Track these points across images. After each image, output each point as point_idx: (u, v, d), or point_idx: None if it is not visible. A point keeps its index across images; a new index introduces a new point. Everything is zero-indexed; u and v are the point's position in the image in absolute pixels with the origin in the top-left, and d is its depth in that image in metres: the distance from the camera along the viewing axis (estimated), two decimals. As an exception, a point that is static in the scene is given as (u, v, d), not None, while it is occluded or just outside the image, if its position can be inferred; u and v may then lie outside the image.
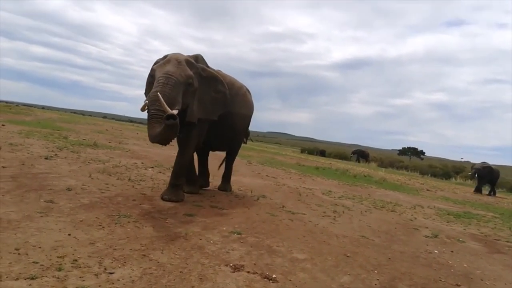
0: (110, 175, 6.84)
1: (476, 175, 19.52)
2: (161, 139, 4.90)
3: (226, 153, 7.78)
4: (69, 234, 3.56)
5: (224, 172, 7.71)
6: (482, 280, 4.30)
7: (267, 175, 11.36)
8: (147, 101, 5.14)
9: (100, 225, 3.99)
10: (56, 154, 8.00)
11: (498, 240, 6.84)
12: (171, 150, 13.68)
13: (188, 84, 5.44)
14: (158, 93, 4.88)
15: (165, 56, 5.68)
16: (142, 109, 5.27)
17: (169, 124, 4.69)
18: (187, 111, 5.59)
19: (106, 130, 18.98)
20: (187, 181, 6.33)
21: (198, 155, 7.29)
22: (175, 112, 4.85)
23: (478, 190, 19.08)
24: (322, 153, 42.29)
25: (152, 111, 4.94)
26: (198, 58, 6.08)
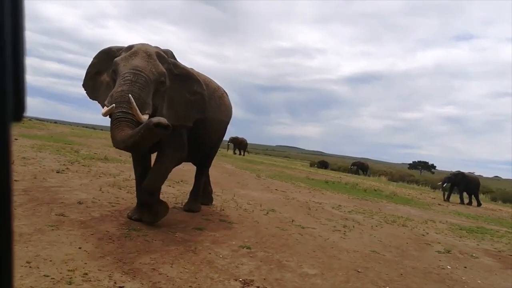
0: (120, 189, 6.88)
1: (445, 185, 18.57)
2: (134, 144, 4.00)
3: (197, 166, 6.74)
4: (79, 248, 3.58)
5: (193, 187, 6.63)
6: (497, 297, 4.20)
7: (276, 189, 11.32)
8: (112, 104, 4.09)
9: (110, 239, 4.00)
10: (67, 168, 8.09)
11: (513, 256, 6.68)
12: (181, 165, 13.73)
13: (160, 83, 4.51)
14: (130, 95, 4.01)
15: (130, 47, 4.61)
16: (105, 114, 4.13)
17: (155, 132, 3.88)
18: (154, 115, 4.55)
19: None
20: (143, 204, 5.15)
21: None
22: (146, 117, 4.09)
23: (448, 197, 18.11)
24: (324, 165, 41.28)
25: (118, 114, 4.06)
26: (168, 53, 5.07)
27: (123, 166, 10.10)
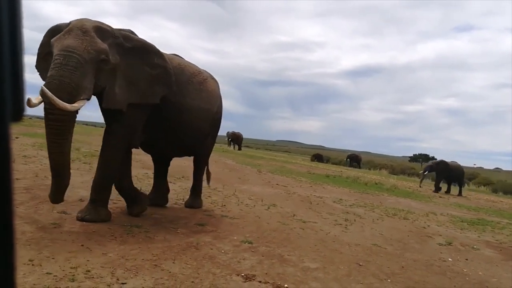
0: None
1: (426, 173, 18.27)
2: (55, 142, 3.79)
3: (193, 161, 6.47)
4: (82, 245, 3.59)
5: (192, 184, 6.38)
6: (498, 288, 4.22)
7: (277, 184, 11.33)
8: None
9: (112, 236, 4.02)
10: (68, 166, 8.08)
11: (514, 247, 6.70)
12: (182, 160, 13.76)
13: (101, 61, 4.06)
14: (43, 86, 3.57)
15: (68, 24, 4.12)
16: (32, 105, 3.54)
17: (51, 119, 3.63)
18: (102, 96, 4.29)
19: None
20: (127, 199, 5.08)
21: (153, 163, 6.30)
22: (80, 104, 3.80)
23: (437, 188, 17.54)
24: (319, 158, 42.04)
25: (46, 106, 3.68)
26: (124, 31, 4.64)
27: (124, 163, 10.10)
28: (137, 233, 4.25)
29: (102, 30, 4.17)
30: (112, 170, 4.63)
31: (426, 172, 18.45)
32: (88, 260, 3.24)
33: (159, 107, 4.80)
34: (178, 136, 5.33)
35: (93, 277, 2.93)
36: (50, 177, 6.53)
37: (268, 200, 7.95)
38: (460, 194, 17.53)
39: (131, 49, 4.52)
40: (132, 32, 4.78)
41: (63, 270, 2.96)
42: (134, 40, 4.62)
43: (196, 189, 6.30)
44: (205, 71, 6.03)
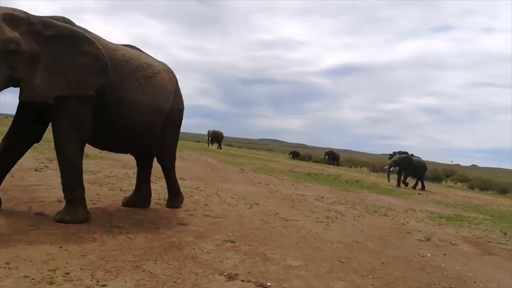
0: (101, 186, 6.78)
1: (391, 168, 18.57)
2: None
3: (157, 161, 5.99)
4: (60, 247, 3.51)
5: (167, 184, 6.11)
6: (475, 282, 4.34)
7: (259, 182, 11.35)
8: None
9: (92, 237, 3.95)
10: (46, 166, 7.91)
11: (490, 242, 6.90)
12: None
13: (12, 52, 3.77)
14: None
15: None
16: None
17: None
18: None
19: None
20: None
21: (136, 161, 6.02)
22: None
23: (398, 182, 18.00)
24: (296, 155, 42.88)
25: None
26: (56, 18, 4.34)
27: (103, 163, 9.96)
28: (118, 234, 4.19)
29: (13, 17, 3.87)
30: (73, 167, 4.46)
31: (391, 168, 18.84)
32: (67, 262, 3.17)
33: (101, 100, 4.53)
34: (121, 131, 4.99)
35: (72, 280, 2.87)
36: (26, 178, 6.40)
37: (251, 198, 7.96)
38: (422, 188, 17.98)
39: (54, 37, 4.18)
40: (67, 20, 4.46)
41: (41, 273, 2.89)
42: (58, 27, 4.24)
43: (172, 188, 6.06)
44: (162, 64, 5.60)
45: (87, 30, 4.70)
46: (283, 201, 8.39)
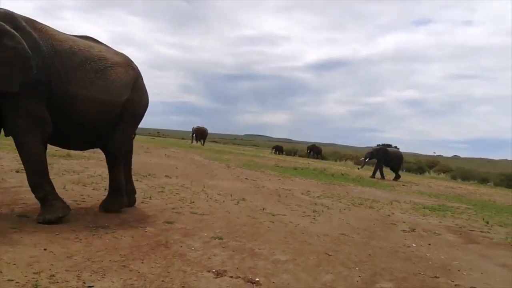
0: (85, 186, 6.68)
1: (367, 160, 18.95)
2: None
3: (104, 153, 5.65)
4: (44, 249, 3.45)
5: (108, 183, 5.56)
6: (459, 270, 4.43)
7: (246, 178, 11.35)
8: None
9: (77, 238, 3.89)
10: (27, 167, 7.73)
11: (472, 230, 7.06)
12: (148, 158, 13.51)
13: None
14: None
15: None
16: None
17: None
18: None
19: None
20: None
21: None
22: None
23: (374, 173, 18.29)
24: (279, 149, 43.24)
25: None
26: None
27: (87, 163, 9.80)
28: (103, 234, 4.13)
29: None
30: (38, 165, 4.39)
31: (367, 159, 19.06)
32: (52, 265, 3.12)
33: (51, 94, 4.37)
34: (75, 127, 4.80)
35: (57, 282, 2.82)
36: (7, 179, 6.25)
37: (238, 194, 7.95)
38: (397, 178, 18.27)
39: None
40: (8, 13, 4.23)
41: (26, 276, 2.84)
42: None
43: (111, 186, 5.40)
44: (120, 57, 5.32)
45: (34, 21, 4.47)
46: (269, 196, 8.41)
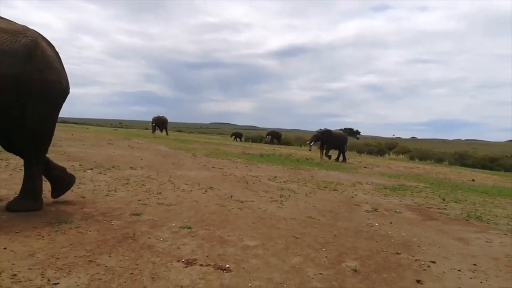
0: (45, 181, 6.40)
1: (312, 143, 19.35)
2: None
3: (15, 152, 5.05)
4: (4, 248, 3.32)
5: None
6: (419, 246, 4.67)
7: (213, 167, 11.32)
8: None
9: (39, 235, 3.76)
10: (-20, 164, 7.34)
11: (430, 208, 7.43)
12: (111, 150, 13.14)
13: None
14: None
15: None
16: None
17: None
18: None
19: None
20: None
21: None
22: None
23: (321, 154, 18.82)
24: (238, 136, 43.38)
25: None
26: None
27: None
28: (67, 229, 4.01)
29: None
30: None
31: (313, 142, 19.49)
32: (13, 264, 3.01)
33: None
34: None
35: (20, 281, 2.73)
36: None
37: (205, 183, 7.93)
38: (344, 160, 18.81)
39: None
40: None
41: (-15, 278, 2.72)
42: None
43: (24, 185, 4.75)
44: (12, 24, 4.48)
45: None
46: (237, 184, 8.45)
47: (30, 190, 4.69)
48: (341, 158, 18.88)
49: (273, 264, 3.61)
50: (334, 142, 18.77)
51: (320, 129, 19.24)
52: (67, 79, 4.94)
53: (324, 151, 18.83)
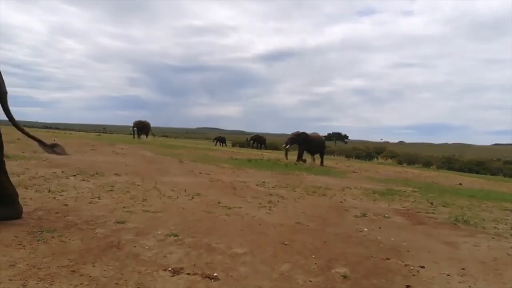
0: (26, 188, 6.25)
1: (288, 146, 19.26)
2: None
3: None
4: (-18, 259, 3.19)
5: None
6: (408, 251, 4.65)
7: (200, 172, 11.21)
8: None
9: (20, 244, 3.63)
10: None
11: (419, 212, 7.46)
12: (95, 156, 12.92)
13: None
14: None
15: None
16: None
17: None
18: None
19: (18, 139, 17.36)
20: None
21: None
22: None
23: (299, 158, 18.69)
24: (221, 140, 42.88)
25: None
26: None
27: (27, 163, 9.19)
28: (49, 238, 3.89)
29: None
30: None
31: (288, 146, 19.38)
32: (-9, 276, 2.88)
33: None
34: None
35: (-1, 294, 2.61)
36: None
37: (192, 189, 7.83)
38: (321, 164, 18.66)
39: None
40: None
41: (-40, 291, 2.60)
42: None
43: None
44: None
45: None
46: (225, 190, 8.37)
47: (6, 195, 4.47)
48: (318, 162, 18.72)
49: (262, 272, 3.54)
50: (309, 145, 18.60)
51: (297, 131, 19.03)
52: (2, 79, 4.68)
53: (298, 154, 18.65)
